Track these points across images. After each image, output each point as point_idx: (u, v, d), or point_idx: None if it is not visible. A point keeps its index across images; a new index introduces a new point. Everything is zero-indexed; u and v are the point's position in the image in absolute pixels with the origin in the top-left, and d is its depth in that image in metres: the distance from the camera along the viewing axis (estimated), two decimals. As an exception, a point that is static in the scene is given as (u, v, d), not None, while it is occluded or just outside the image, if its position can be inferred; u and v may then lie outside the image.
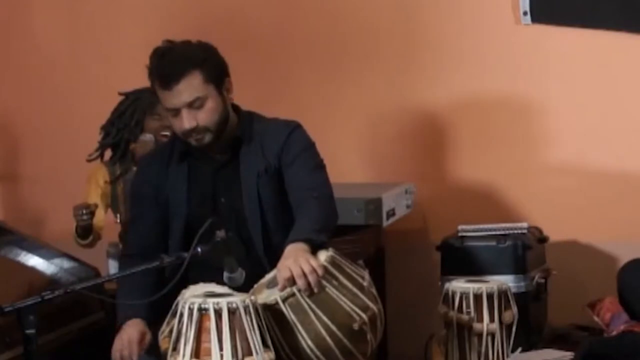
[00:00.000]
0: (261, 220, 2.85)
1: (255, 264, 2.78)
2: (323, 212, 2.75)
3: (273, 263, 2.67)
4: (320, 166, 2.90)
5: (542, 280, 3.61)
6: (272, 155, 2.86)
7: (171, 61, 2.79)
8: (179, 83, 2.75)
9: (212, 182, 2.89)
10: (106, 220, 3.72)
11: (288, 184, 2.85)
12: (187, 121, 2.76)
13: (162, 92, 2.79)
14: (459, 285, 3.17)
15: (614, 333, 3.27)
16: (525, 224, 3.68)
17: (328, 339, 2.48)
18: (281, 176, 2.86)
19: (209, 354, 2.32)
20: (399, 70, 4.22)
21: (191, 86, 2.76)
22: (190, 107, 2.76)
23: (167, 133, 3.64)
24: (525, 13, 3.97)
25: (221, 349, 2.31)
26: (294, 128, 2.91)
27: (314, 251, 2.60)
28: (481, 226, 3.65)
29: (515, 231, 3.62)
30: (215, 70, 2.82)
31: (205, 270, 2.66)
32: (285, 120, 2.96)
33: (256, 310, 2.40)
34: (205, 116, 2.78)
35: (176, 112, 2.78)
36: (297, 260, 2.50)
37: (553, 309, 3.74)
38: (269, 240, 2.84)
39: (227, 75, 2.87)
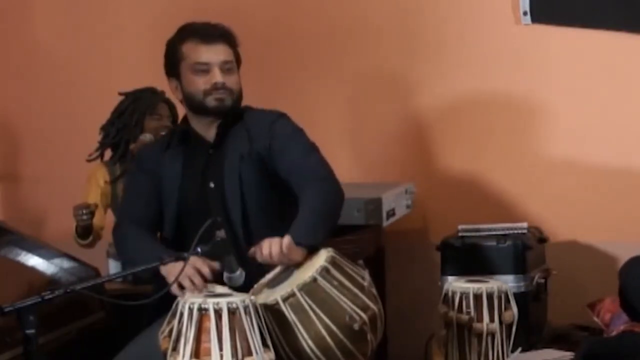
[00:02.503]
0: (241, 202, 2.87)
1: (236, 247, 2.79)
2: (321, 202, 2.75)
3: (252, 245, 2.69)
4: (313, 148, 2.93)
5: (542, 280, 3.62)
6: (257, 141, 2.91)
7: (213, 25, 2.94)
8: (219, 44, 2.91)
9: (203, 166, 2.94)
10: (106, 220, 3.72)
11: (285, 171, 2.88)
12: (219, 76, 2.88)
13: (197, 46, 2.90)
14: (459, 285, 3.17)
15: (614, 333, 3.27)
16: (525, 224, 3.68)
17: (328, 338, 2.48)
18: (265, 162, 2.89)
19: (208, 354, 2.32)
20: (399, 69, 4.22)
21: (227, 50, 2.93)
22: (222, 68, 2.89)
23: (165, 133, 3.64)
24: (525, 13, 3.97)
25: (221, 349, 2.31)
26: (279, 116, 2.98)
27: (310, 251, 2.62)
28: (481, 226, 3.65)
29: (515, 231, 3.62)
30: (239, 57, 2.99)
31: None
32: (271, 109, 3.03)
33: (256, 310, 2.40)
34: (233, 80, 2.93)
35: (207, 68, 2.88)
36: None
37: (553, 309, 3.74)
38: (248, 223, 2.86)
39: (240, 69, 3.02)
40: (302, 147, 2.91)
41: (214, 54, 2.89)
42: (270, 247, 2.58)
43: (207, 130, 2.95)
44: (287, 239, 2.58)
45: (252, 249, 2.64)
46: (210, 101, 2.89)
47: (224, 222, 2.79)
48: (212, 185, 2.91)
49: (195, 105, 2.92)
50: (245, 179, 2.88)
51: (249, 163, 2.89)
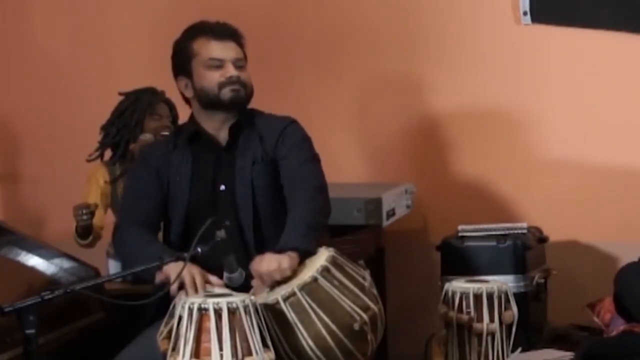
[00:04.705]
0: (253, 207, 2.86)
1: (246, 252, 2.81)
2: (313, 209, 2.76)
3: (262, 250, 2.71)
4: (314, 159, 2.93)
5: (542, 280, 3.62)
6: (268, 146, 2.91)
7: (225, 25, 2.96)
8: (231, 40, 2.93)
9: (214, 168, 2.93)
10: (106, 220, 3.72)
11: (282, 176, 2.88)
12: (234, 70, 2.89)
13: (210, 43, 2.91)
14: (459, 285, 3.17)
15: (614, 333, 3.27)
16: (525, 224, 3.68)
17: (328, 338, 2.48)
18: (276, 167, 2.90)
19: (208, 354, 2.32)
20: (400, 70, 4.22)
21: (239, 48, 2.95)
22: (235, 64, 2.90)
23: (167, 133, 3.64)
24: (525, 13, 3.97)
25: (221, 349, 2.31)
26: (291, 122, 2.98)
27: (304, 256, 2.62)
28: (481, 226, 3.65)
29: (515, 231, 3.62)
30: (246, 59, 2.99)
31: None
32: (282, 115, 3.03)
33: (256, 310, 2.40)
34: (246, 75, 2.93)
35: (221, 63, 2.89)
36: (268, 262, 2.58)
37: (553, 309, 3.74)
38: (259, 228, 2.86)
39: None
40: (304, 156, 2.91)
41: (227, 50, 2.90)
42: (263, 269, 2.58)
43: (219, 131, 2.94)
44: (285, 262, 2.58)
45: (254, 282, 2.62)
46: (226, 93, 2.88)
47: (233, 226, 2.81)
48: (222, 187, 2.90)
49: (210, 100, 2.90)
50: (258, 184, 2.88)
51: (261, 167, 2.89)
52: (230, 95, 2.88)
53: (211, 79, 2.88)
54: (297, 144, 2.92)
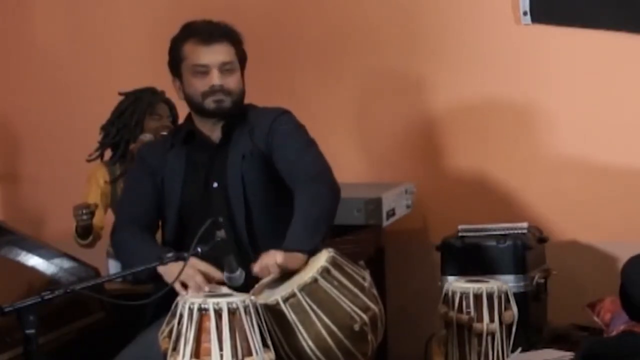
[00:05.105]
0: (244, 202, 2.85)
1: (239, 248, 2.81)
2: (313, 205, 2.71)
3: (255, 246, 2.73)
4: (310, 144, 2.91)
5: (542, 280, 3.62)
6: (259, 139, 2.90)
7: (214, 24, 2.93)
8: (219, 43, 2.89)
9: (207, 166, 2.93)
10: (106, 220, 3.72)
11: (281, 168, 2.86)
12: (217, 78, 2.86)
13: (197, 47, 2.88)
14: (459, 285, 3.17)
15: (614, 333, 3.27)
16: (525, 224, 3.68)
17: (328, 339, 2.48)
18: (268, 160, 2.88)
19: (208, 354, 2.31)
20: (400, 70, 4.22)
21: (227, 50, 2.90)
22: (221, 69, 2.87)
23: (166, 133, 3.64)
24: (525, 13, 3.97)
25: (221, 349, 2.30)
26: (282, 113, 2.97)
27: (310, 254, 2.62)
28: (481, 226, 3.65)
29: (515, 231, 3.62)
30: (243, 55, 2.97)
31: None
32: (275, 107, 3.01)
33: (256, 310, 2.40)
34: (233, 81, 2.90)
35: (206, 70, 2.87)
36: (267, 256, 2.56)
37: (553, 309, 3.74)
38: (251, 222, 2.85)
39: (245, 66, 3.00)
40: (299, 145, 2.89)
41: (213, 55, 2.87)
42: (264, 262, 2.56)
43: (212, 131, 2.95)
44: (280, 258, 2.55)
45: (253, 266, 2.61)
46: (209, 103, 2.88)
47: (227, 222, 2.80)
48: (215, 185, 2.91)
49: (196, 107, 2.92)
50: (248, 179, 2.87)
51: (251, 162, 2.88)
52: (213, 106, 2.88)
53: (196, 87, 2.88)
54: (290, 133, 2.90)
